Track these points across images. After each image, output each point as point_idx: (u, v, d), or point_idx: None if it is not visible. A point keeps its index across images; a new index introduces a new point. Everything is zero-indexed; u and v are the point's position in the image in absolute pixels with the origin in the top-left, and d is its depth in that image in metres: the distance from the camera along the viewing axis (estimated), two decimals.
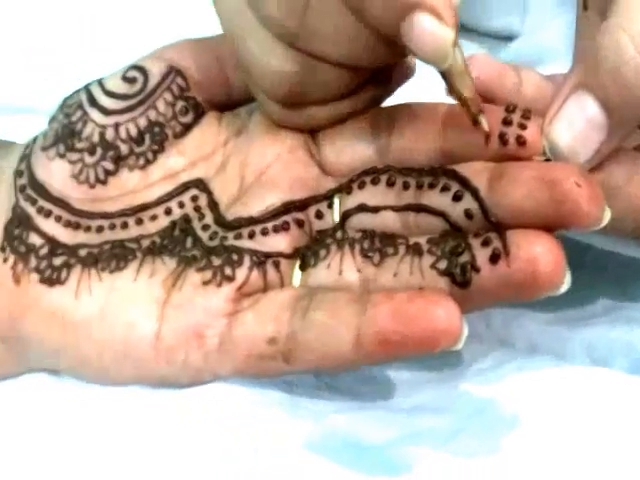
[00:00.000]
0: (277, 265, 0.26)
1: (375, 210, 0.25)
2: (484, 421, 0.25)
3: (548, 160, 0.24)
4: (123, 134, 0.28)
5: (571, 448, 0.24)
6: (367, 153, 0.27)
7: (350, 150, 0.27)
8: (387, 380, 0.28)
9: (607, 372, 0.26)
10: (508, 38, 0.38)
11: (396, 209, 0.25)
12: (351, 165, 0.27)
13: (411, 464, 0.23)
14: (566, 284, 0.22)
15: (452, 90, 0.24)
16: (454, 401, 0.26)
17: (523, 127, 0.24)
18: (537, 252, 0.21)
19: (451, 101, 0.26)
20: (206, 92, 0.29)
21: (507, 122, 0.24)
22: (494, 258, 0.22)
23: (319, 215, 0.26)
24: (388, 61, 0.26)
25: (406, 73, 0.28)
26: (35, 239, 0.27)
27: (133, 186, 0.28)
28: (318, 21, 0.24)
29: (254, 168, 0.28)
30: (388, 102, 0.28)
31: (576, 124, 0.23)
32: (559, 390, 0.26)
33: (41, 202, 0.28)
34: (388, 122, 0.27)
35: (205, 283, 0.25)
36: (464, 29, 0.39)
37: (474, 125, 0.25)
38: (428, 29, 0.22)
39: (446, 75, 0.24)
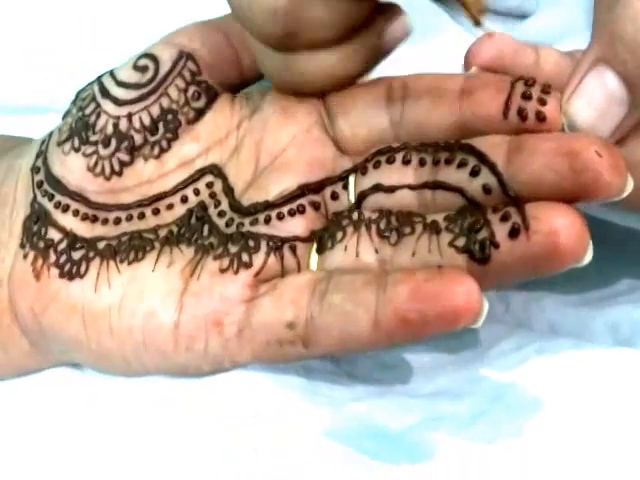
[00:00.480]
0: (294, 249, 0.26)
1: (391, 190, 0.25)
2: (505, 405, 0.25)
3: None
4: (137, 124, 0.28)
5: (595, 432, 0.23)
6: (381, 125, 0.26)
7: (364, 121, 0.26)
8: (406, 365, 0.28)
9: (631, 352, 0.26)
10: (523, 16, 0.38)
11: (412, 187, 0.25)
12: (366, 139, 0.26)
13: (432, 451, 0.23)
14: (589, 256, 0.21)
15: None
16: (474, 385, 0.26)
17: (543, 102, 0.24)
18: (558, 224, 0.21)
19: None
20: (218, 74, 0.29)
21: (526, 96, 0.24)
22: (514, 233, 0.22)
23: (335, 196, 0.26)
24: None
25: (402, 32, 0.27)
26: (54, 234, 0.27)
27: (149, 176, 0.28)
28: None
29: (269, 150, 0.27)
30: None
31: (596, 100, 0.23)
32: (582, 372, 0.25)
33: (58, 197, 0.28)
34: (402, 92, 0.26)
35: (222, 271, 0.25)
36: None
37: (476, 26, 0.24)
38: None
39: None
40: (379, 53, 0.27)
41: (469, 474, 0.23)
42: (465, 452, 0.23)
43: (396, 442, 0.24)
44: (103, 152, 0.28)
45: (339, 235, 0.25)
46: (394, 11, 0.27)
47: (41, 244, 0.27)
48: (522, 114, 0.24)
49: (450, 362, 0.28)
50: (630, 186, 0.22)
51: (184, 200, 0.28)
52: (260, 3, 0.25)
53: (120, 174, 0.28)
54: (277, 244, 0.26)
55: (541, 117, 0.24)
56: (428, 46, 0.28)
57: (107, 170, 0.28)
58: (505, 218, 0.22)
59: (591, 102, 0.23)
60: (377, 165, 0.26)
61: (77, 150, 0.28)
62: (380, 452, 0.23)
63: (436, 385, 0.27)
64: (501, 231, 0.22)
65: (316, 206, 0.26)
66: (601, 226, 0.26)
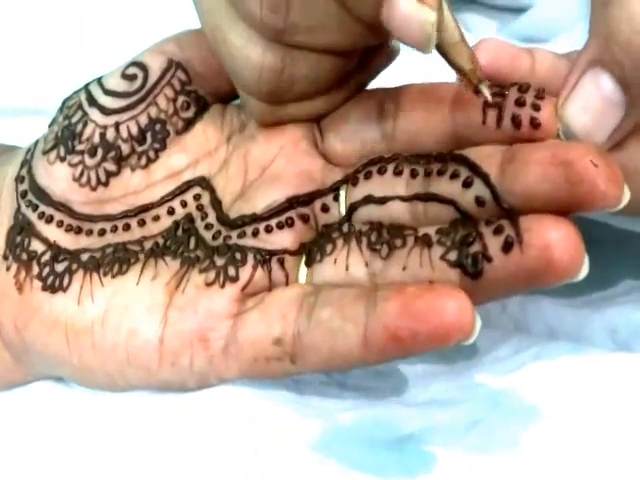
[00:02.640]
0: (282, 262, 0.25)
1: (382, 201, 0.24)
2: (502, 414, 0.24)
3: None
4: (124, 133, 0.27)
5: (594, 440, 0.23)
6: (373, 138, 0.26)
7: (356, 136, 0.26)
8: (399, 374, 0.27)
9: (631, 357, 0.25)
10: (519, 10, 0.37)
11: (404, 199, 0.24)
12: (357, 152, 0.26)
13: (427, 463, 0.23)
14: (584, 271, 0.21)
15: (450, 63, 0.23)
16: (470, 393, 0.25)
17: (537, 108, 0.23)
18: (552, 238, 0.20)
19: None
20: (209, 83, 0.28)
21: (520, 103, 0.23)
22: (507, 247, 0.21)
23: (325, 209, 0.26)
24: (377, 42, 0.25)
25: (389, 56, 0.27)
26: (37, 246, 0.27)
27: (135, 186, 0.28)
28: (302, 14, 0.23)
29: (257, 163, 0.27)
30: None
31: (592, 103, 0.22)
32: (580, 378, 0.25)
33: (42, 207, 0.27)
34: (394, 104, 0.26)
35: (208, 284, 0.25)
36: (474, 3, 0.38)
37: (476, 94, 0.24)
38: (407, 12, 0.21)
39: (441, 49, 0.23)
40: (364, 84, 0.27)
41: None
42: (462, 465, 0.23)
43: (389, 455, 0.23)
44: (89, 162, 0.27)
45: (329, 248, 0.24)
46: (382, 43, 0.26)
47: (24, 256, 0.27)
48: (516, 121, 0.23)
49: (445, 369, 0.27)
50: (627, 197, 0.21)
51: (171, 212, 0.27)
52: (249, 61, 0.25)
53: (106, 184, 0.27)
54: (265, 257, 0.25)
55: (535, 124, 0.23)
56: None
57: (93, 180, 0.27)
58: (498, 231, 0.21)
59: (587, 106, 0.22)
60: (368, 176, 0.25)
61: (63, 159, 0.28)
62: (372, 465, 0.23)
63: (430, 393, 0.26)
64: (494, 245, 0.21)
65: (305, 219, 0.26)
66: (600, 227, 0.26)
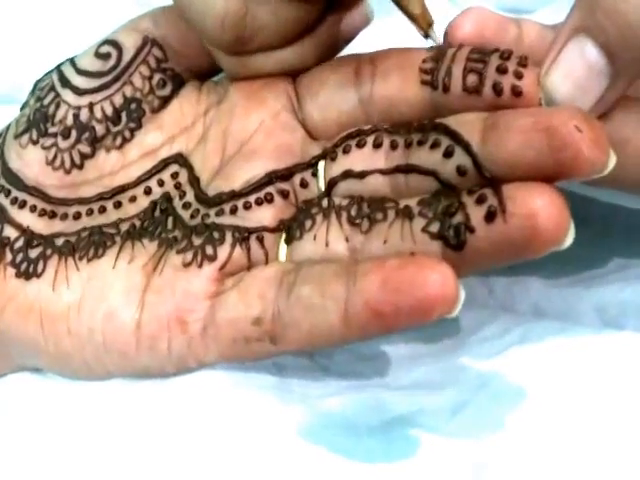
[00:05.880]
0: (261, 240, 0.24)
1: (361, 175, 0.24)
2: (488, 396, 0.24)
3: None
4: (98, 114, 0.27)
5: (581, 422, 0.22)
6: (351, 105, 0.25)
7: (334, 103, 0.26)
8: (384, 357, 0.27)
9: (619, 336, 0.25)
10: None
11: (384, 172, 0.23)
12: (336, 121, 0.25)
13: (412, 448, 0.22)
14: (570, 238, 0.20)
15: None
16: (456, 375, 0.25)
17: (519, 76, 0.22)
18: (536, 206, 0.20)
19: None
20: (186, 60, 0.28)
21: (502, 70, 0.23)
22: (490, 216, 0.20)
23: (304, 184, 0.25)
24: None
25: (361, 21, 0.26)
26: (10, 232, 0.26)
27: (111, 168, 0.27)
28: None
29: (236, 137, 0.26)
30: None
31: (576, 71, 0.22)
32: (567, 359, 0.24)
33: (15, 193, 0.27)
34: (371, 69, 0.25)
35: (186, 265, 0.24)
36: None
37: (426, 39, 0.24)
38: None
39: None
40: (338, 42, 0.27)
41: (449, 472, 0.22)
42: (446, 449, 0.22)
43: (374, 440, 0.23)
44: (63, 144, 0.27)
45: (308, 224, 0.24)
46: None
47: None
48: (497, 89, 0.23)
49: (430, 351, 0.27)
50: (612, 162, 0.21)
51: (147, 192, 0.27)
52: (208, 13, 0.24)
53: (81, 167, 0.27)
54: (243, 235, 0.24)
55: (517, 92, 0.22)
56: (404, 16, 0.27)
57: (67, 163, 0.27)
58: (481, 200, 0.21)
59: (570, 74, 0.22)
60: (347, 150, 0.24)
61: (35, 143, 0.27)
62: (355, 450, 0.23)
63: (415, 376, 0.26)
64: (477, 215, 0.21)
65: (285, 194, 0.25)
66: (587, 203, 0.25)
